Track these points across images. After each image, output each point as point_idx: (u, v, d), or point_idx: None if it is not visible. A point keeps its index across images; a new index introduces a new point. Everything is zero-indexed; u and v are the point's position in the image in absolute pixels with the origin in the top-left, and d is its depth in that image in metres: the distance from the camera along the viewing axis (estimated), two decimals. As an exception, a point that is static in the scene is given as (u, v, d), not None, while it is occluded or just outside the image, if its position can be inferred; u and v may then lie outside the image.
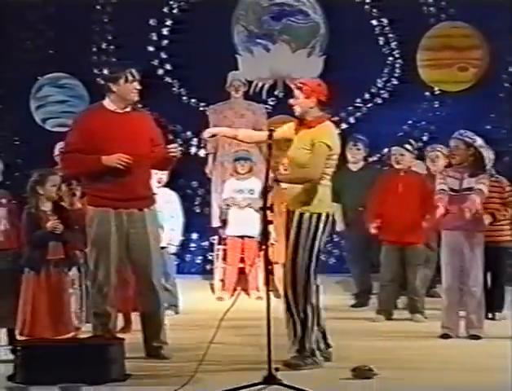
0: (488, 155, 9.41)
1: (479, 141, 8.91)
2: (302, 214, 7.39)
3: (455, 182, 8.79)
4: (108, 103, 7.83)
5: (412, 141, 10.33)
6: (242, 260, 11.32)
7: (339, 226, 11.37)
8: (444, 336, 8.70)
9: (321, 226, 7.37)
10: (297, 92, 7.57)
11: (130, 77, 7.76)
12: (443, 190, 8.82)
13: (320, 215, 7.38)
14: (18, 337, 7.88)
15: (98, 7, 13.89)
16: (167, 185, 10.15)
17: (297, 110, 7.57)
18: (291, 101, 7.61)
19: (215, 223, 11.99)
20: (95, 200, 7.72)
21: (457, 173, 8.82)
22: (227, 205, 11.41)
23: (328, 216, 7.45)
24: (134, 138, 7.70)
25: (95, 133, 7.67)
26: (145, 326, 7.91)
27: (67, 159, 7.93)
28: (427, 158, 10.98)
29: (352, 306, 10.75)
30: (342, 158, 10.12)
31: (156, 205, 7.98)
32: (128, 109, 7.85)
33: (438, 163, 10.72)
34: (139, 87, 7.82)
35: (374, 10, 13.83)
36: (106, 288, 7.73)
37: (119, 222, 7.69)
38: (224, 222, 11.53)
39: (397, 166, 9.97)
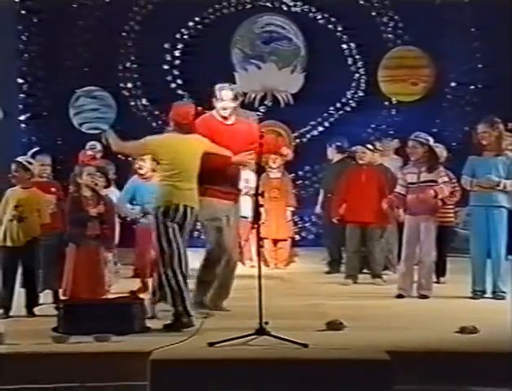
0: (442, 153, 9.43)
1: (432, 140, 8.94)
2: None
3: (413, 176, 8.78)
4: (215, 113, 7.79)
5: (375, 142, 10.34)
6: (238, 236, 11.23)
7: (317, 209, 11.39)
8: (399, 296, 8.72)
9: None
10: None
11: (218, 98, 7.71)
12: (399, 193, 8.86)
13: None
14: (61, 297, 7.89)
15: (123, 34, 13.90)
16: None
17: None
18: None
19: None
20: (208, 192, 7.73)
21: (415, 168, 8.81)
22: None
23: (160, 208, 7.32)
24: (232, 146, 7.63)
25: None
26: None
27: None
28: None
29: (326, 273, 10.76)
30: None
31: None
32: (231, 121, 7.78)
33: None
34: (226, 107, 7.70)
35: (344, 37, 13.88)
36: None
37: (222, 209, 7.74)
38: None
39: (360, 161, 9.98)
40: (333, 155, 11.21)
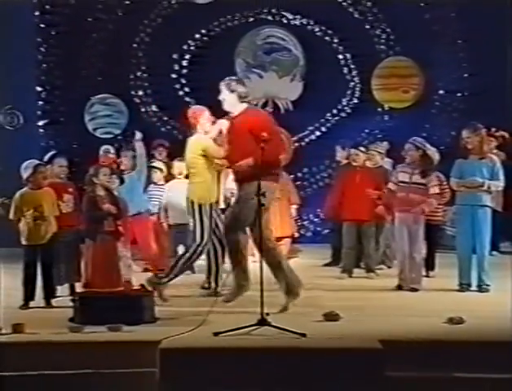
0: (434, 155, 9.43)
1: (427, 145, 8.92)
2: None
3: (405, 176, 8.76)
4: None
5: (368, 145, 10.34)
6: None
7: None
8: (399, 287, 8.69)
9: None
10: None
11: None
12: (390, 189, 8.86)
13: None
14: (78, 289, 7.91)
15: (135, 45, 13.91)
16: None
17: None
18: None
19: (222, 206, 11.93)
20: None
21: (409, 168, 8.78)
22: (231, 193, 11.30)
23: None
24: (232, 141, 7.46)
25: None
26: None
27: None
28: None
29: (325, 265, 10.72)
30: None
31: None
32: (234, 114, 7.43)
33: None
34: (220, 98, 7.49)
35: (340, 48, 13.86)
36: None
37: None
38: (228, 205, 11.44)
39: (354, 163, 9.98)
40: (342, 157, 11.16)
